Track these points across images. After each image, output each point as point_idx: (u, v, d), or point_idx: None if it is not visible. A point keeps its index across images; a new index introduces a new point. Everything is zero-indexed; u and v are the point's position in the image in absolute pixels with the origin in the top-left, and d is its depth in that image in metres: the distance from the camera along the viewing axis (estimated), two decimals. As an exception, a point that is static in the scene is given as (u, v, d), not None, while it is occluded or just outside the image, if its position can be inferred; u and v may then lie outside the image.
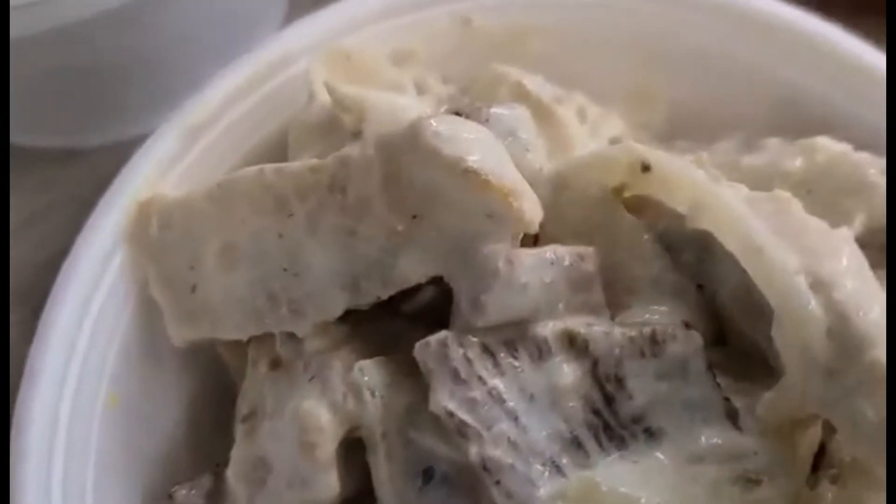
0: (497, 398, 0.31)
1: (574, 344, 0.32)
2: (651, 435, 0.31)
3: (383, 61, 0.39)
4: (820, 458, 0.32)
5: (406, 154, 0.32)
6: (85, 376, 0.36)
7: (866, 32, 0.43)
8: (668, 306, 0.33)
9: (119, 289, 0.36)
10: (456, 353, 0.31)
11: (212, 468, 0.37)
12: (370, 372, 0.33)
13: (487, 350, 0.32)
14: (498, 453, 0.31)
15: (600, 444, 0.31)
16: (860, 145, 0.39)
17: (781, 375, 0.30)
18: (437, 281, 0.33)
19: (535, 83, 0.39)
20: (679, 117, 0.44)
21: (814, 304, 0.28)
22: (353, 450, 0.33)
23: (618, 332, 0.32)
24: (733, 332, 0.33)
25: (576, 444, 0.31)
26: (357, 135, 0.35)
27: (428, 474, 0.32)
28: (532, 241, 0.34)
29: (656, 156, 0.33)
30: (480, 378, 0.31)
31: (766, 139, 0.41)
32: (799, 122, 0.43)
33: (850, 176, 0.37)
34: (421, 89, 0.39)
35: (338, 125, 0.37)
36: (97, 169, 0.55)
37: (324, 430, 0.32)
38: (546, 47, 0.43)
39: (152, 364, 0.38)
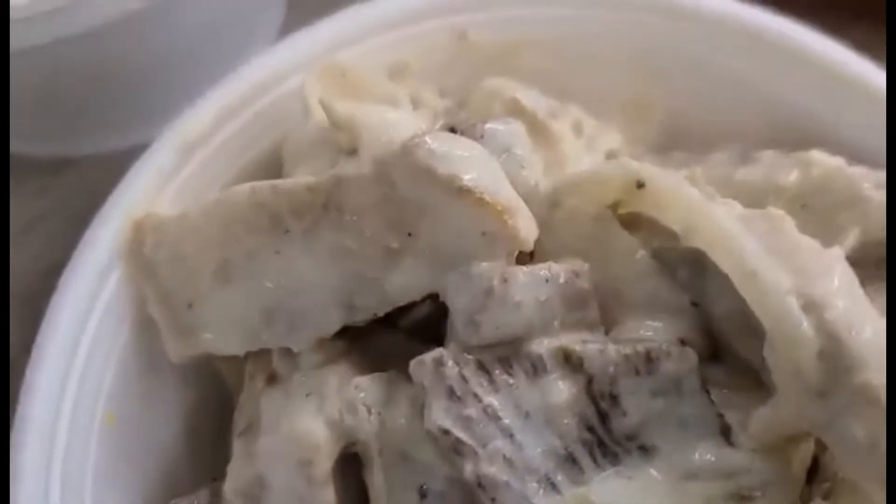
0: (492, 415, 0.31)
1: (569, 361, 0.32)
2: (645, 451, 0.32)
3: (379, 76, 0.40)
4: (812, 472, 0.33)
5: (401, 172, 0.33)
6: (82, 394, 0.36)
7: (862, 38, 0.43)
8: (663, 323, 0.33)
9: (115, 306, 0.37)
10: (451, 370, 0.31)
11: (210, 482, 0.37)
12: (367, 388, 0.33)
13: (483, 367, 0.32)
14: (493, 470, 0.31)
15: (595, 461, 0.32)
16: (854, 159, 0.39)
17: (774, 392, 0.31)
18: (433, 296, 0.34)
19: (530, 98, 0.39)
20: (674, 129, 0.45)
21: (806, 326, 0.29)
22: (350, 465, 0.34)
23: (612, 349, 0.32)
24: (727, 348, 0.34)
25: (570, 461, 0.31)
26: (352, 152, 0.35)
27: (424, 491, 0.32)
28: (527, 257, 0.34)
29: (650, 173, 0.33)
30: (476, 395, 0.31)
31: (760, 152, 0.41)
32: (793, 134, 0.43)
33: (844, 190, 0.38)
34: (416, 103, 0.39)
35: (333, 141, 0.38)
36: (90, 179, 0.56)
37: (320, 447, 0.32)
38: (541, 61, 0.43)
39: (150, 380, 0.38)
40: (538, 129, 0.38)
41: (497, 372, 0.32)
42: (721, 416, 0.32)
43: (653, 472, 0.31)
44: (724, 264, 0.31)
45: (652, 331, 0.33)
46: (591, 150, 0.40)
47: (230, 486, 0.35)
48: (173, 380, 0.39)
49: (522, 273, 0.32)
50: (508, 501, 0.31)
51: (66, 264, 0.37)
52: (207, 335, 0.36)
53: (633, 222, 0.35)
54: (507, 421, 0.31)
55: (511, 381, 0.32)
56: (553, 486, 0.31)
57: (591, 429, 0.31)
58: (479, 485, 0.31)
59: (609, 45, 0.44)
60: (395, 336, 0.36)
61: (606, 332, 0.34)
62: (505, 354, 0.32)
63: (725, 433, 0.32)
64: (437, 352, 0.32)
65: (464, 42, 0.43)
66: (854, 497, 0.31)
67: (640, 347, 0.32)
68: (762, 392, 0.32)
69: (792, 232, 0.31)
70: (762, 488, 0.31)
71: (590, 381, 0.32)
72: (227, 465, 0.36)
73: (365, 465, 0.33)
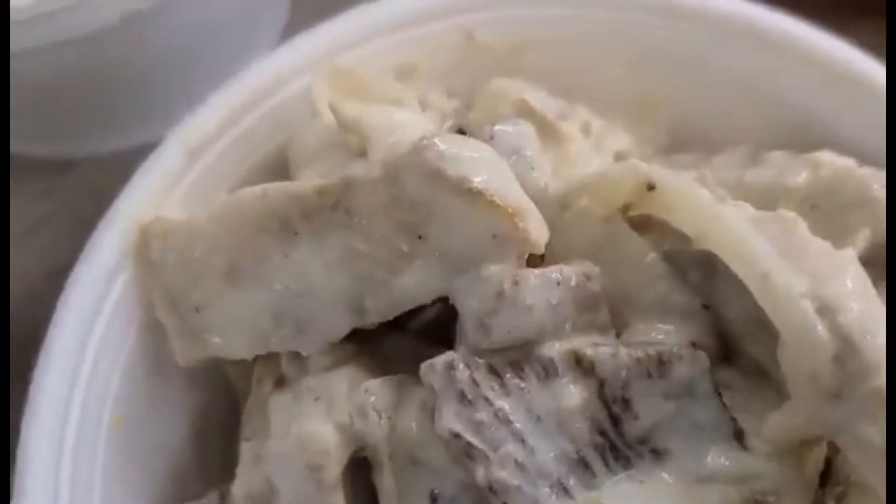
0: (503, 419, 0.31)
1: (580, 365, 0.31)
2: (657, 455, 0.31)
3: (386, 78, 0.39)
4: (825, 476, 0.32)
5: (410, 175, 0.32)
6: (90, 397, 0.36)
7: (864, 36, 0.43)
8: (674, 326, 0.33)
9: (122, 309, 0.36)
10: (462, 374, 0.31)
11: (218, 486, 0.37)
12: (377, 392, 0.33)
13: (494, 371, 0.32)
14: (504, 475, 0.31)
15: (607, 465, 0.31)
16: (863, 159, 0.39)
17: (787, 395, 0.30)
18: (441, 298, 0.33)
19: (538, 99, 0.39)
20: (680, 130, 0.44)
21: (820, 330, 0.28)
22: (359, 470, 0.33)
23: (624, 353, 0.31)
24: (738, 350, 0.33)
25: (582, 465, 0.31)
26: (361, 154, 0.35)
27: (434, 496, 0.32)
28: (537, 259, 0.34)
29: (661, 175, 0.33)
30: (487, 399, 0.31)
31: (770, 152, 0.41)
32: (801, 135, 0.43)
33: (854, 191, 0.37)
34: (424, 105, 0.39)
35: (340, 142, 0.37)
36: (92, 179, 0.56)
37: (330, 452, 0.32)
38: (548, 61, 0.43)
39: (157, 383, 0.38)
40: (547, 131, 0.37)
41: (508, 376, 0.32)
42: (734, 419, 0.31)
43: (665, 476, 0.31)
44: (737, 267, 0.30)
45: (663, 334, 0.33)
46: (599, 151, 0.40)
47: (238, 489, 0.35)
48: (180, 383, 0.38)
49: (534, 276, 0.32)
50: (520, 506, 0.30)
51: (72, 266, 0.37)
52: (215, 339, 0.35)
53: (642, 224, 0.35)
54: (518, 425, 0.31)
55: (522, 384, 0.31)
56: (565, 491, 0.31)
57: (602, 433, 0.31)
58: (491, 489, 0.30)
59: (615, 46, 0.44)
60: (403, 338, 0.36)
61: (617, 335, 0.33)
62: (516, 358, 0.32)
63: (738, 437, 0.31)
64: (448, 355, 0.32)
65: (470, 43, 0.42)
66: (867, 500, 0.31)
67: (652, 351, 0.32)
68: (774, 395, 0.32)
69: (804, 234, 0.31)
70: (776, 492, 0.31)
71: (601, 385, 0.31)
72: (234, 468, 0.36)
73: (375, 469, 0.33)
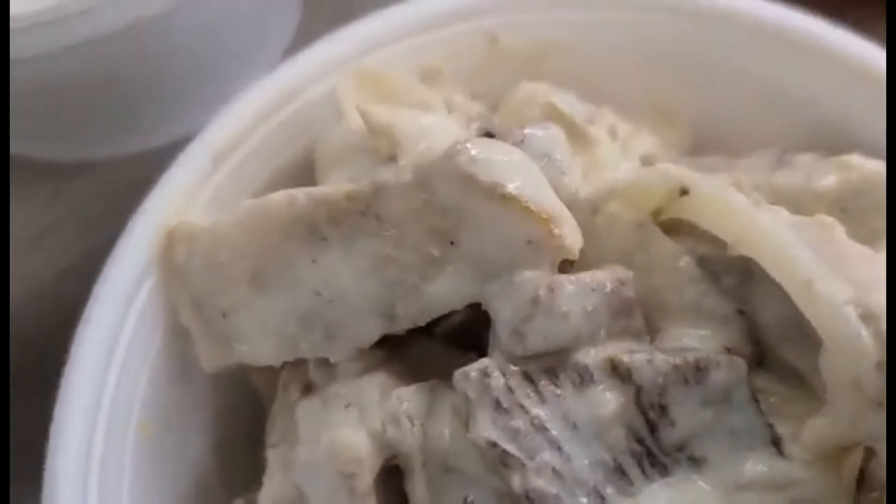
0: (539, 427, 0.31)
1: (617, 372, 0.31)
2: (695, 463, 0.31)
3: (412, 80, 0.39)
4: (860, 481, 0.32)
5: (442, 180, 0.32)
6: (117, 403, 0.35)
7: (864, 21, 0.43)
8: (709, 331, 0.33)
9: (148, 314, 0.36)
10: (497, 382, 0.31)
11: (244, 493, 0.36)
12: (409, 399, 0.33)
13: (529, 378, 0.31)
14: (541, 483, 0.30)
15: (644, 473, 0.31)
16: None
17: (825, 401, 0.30)
18: (471, 304, 0.33)
19: (566, 102, 0.38)
20: (706, 132, 0.44)
21: (864, 337, 0.28)
22: (391, 477, 0.33)
23: (661, 359, 0.31)
24: (774, 356, 0.33)
25: (619, 473, 0.31)
26: (390, 159, 0.35)
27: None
28: (568, 265, 0.33)
29: (694, 180, 0.33)
30: (522, 407, 0.31)
31: (797, 155, 0.41)
32: (827, 136, 0.42)
33: (883, 194, 0.37)
34: (449, 108, 0.39)
35: (366, 146, 0.37)
36: (103, 183, 0.55)
37: (362, 460, 0.32)
38: (572, 63, 0.43)
39: (182, 389, 0.37)
40: (575, 134, 0.37)
41: (543, 383, 0.31)
42: (771, 426, 0.31)
43: (702, 483, 0.31)
44: (777, 274, 0.30)
45: (697, 339, 0.33)
46: (626, 155, 0.39)
47: (266, 497, 0.34)
48: (204, 389, 0.38)
49: (569, 282, 0.31)
50: (557, 514, 0.30)
51: (82, 269, 0.36)
52: (242, 345, 0.35)
53: (673, 228, 0.34)
54: (554, 433, 0.31)
55: (558, 391, 0.31)
56: (602, 499, 0.30)
57: (639, 440, 0.31)
58: (528, 497, 0.30)
59: (638, 48, 0.44)
60: (431, 343, 0.36)
61: (650, 341, 0.33)
62: (551, 365, 0.31)
63: (776, 444, 0.31)
64: (482, 363, 0.31)
65: (494, 46, 0.42)
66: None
67: (690, 357, 0.31)
68: (811, 400, 0.31)
69: (843, 239, 0.31)
70: (815, 500, 0.30)
71: (638, 392, 0.31)
72: (258, 476, 0.35)
73: (407, 477, 0.33)
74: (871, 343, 0.28)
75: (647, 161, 0.40)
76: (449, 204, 0.32)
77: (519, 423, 0.31)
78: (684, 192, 0.33)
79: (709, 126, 0.45)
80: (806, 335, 0.30)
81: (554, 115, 0.37)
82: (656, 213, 0.34)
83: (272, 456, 0.36)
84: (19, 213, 0.50)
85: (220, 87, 0.51)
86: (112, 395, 0.35)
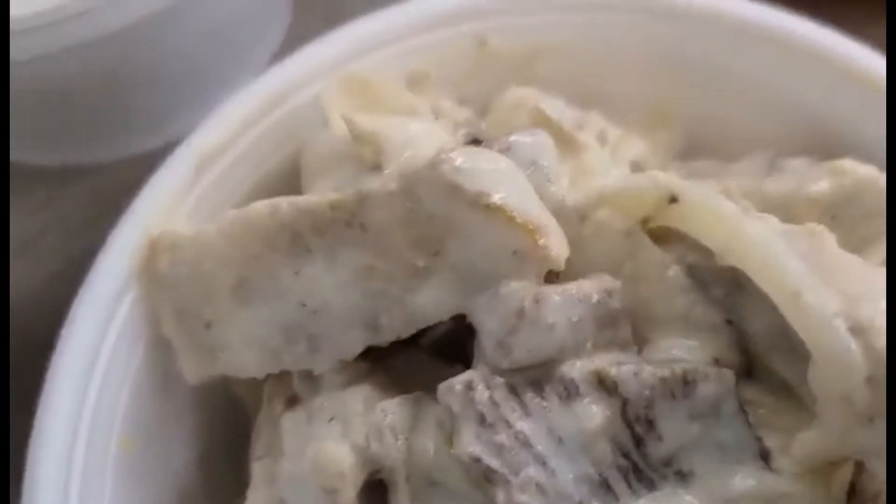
0: (524, 442, 0.30)
1: (603, 384, 0.31)
2: (682, 477, 0.31)
3: (399, 86, 0.38)
4: (851, 495, 0.32)
5: (427, 189, 0.32)
6: (98, 416, 0.35)
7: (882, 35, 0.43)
8: (697, 342, 0.32)
9: (130, 326, 0.36)
10: (481, 395, 0.30)
11: (229, 506, 0.36)
12: (393, 412, 0.32)
13: (514, 391, 0.31)
14: (525, 499, 0.30)
15: (630, 487, 0.31)
16: (880, 162, 0.38)
17: (815, 413, 0.30)
18: (457, 315, 0.33)
19: (554, 108, 0.38)
20: (698, 136, 0.44)
21: (854, 350, 0.28)
22: (374, 491, 0.33)
23: (648, 371, 0.31)
24: (763, 366, 0.33)
25: (605, 487, 0.30)
26: (375, 167, 0.34)
27: (453, 519, 0.31)
28: (554, 274, 0.33)
29: (683, 188, 0.32)
30: (507, 421, 0.30)
31: (788, 160, 0.40)
32: (820, 140, 0.42)
33: (876, 200, 0.37)
34: (437, 114, 0.38)
35: (351, 153, 0.37)
36: (96, 186, 0.55)
37: (345, 474, 0.31)
38: (562, 67, 0.42)
39: (166, 402, 0.37)
40: (563, 140, 0.36)
41: (529, 396, 0.31)
42: (760, 439, 0.31)
43: (690, 498, 0.30)
44: (765, 285, 0.29)
45: (685, 350, 0.32)
46: (615, 160, 0.39)
47: (251, 511, 0.34)
48: (189, 401, 0.38)
49: (554, 293, 0.31)
50: (541, 530, 0.30)
51: (69, 275, 0.36)
52: (226, 356, 0.35)
53: (663, 236, 0.34)
54: (539, 447, 0.30)
55: (543, 404, 0.31)
56: (588, 514, 0.30)
57: (626, 454, 0.30)
58: (512, 513, 0.30)
59: (631, 51, 0.43)
60: (416, 355, 0.35)
61: (638, 352, 0.33)
62: (536, 377, 0.31)
63: (764, 457, 0.31)
64: (467, 375, 0.31)
65: (483, 49, 0.42)
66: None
67: (677, 369, 0.31)
68: (800, 412, 0.31)
69: (834, 249, 0.30)
70: (804, 514, 0.30)
71: (624, 405, 0.31)
72: (242, 489, 0.35)
73: (391, 491, 0.32)
74: (860, 357, 0.28)
75: (636, 166, 0.40)
76: (434, 213, 0.32)
77: (503, 437, 0.30)
78: (673, 199, 0.33)
79: (701, 128, 0.44)
80: (795, 346, 0.30)
81: (541, 120, 0.37)
82: (645, 221, 0.34)
83: (256, 469, 0.35)
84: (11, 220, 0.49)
85: (211, 90, 0.51)
86: (93, 408, 0.35)
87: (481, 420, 0.30)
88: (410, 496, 0.31)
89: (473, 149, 0.33)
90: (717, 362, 0.32)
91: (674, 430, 0.30)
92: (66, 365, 0.34)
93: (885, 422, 0.27)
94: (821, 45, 0.41)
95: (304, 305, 0.33)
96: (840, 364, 0.28)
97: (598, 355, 0.31)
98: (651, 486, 0.31)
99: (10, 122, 0.45)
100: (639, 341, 0.33)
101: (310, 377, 0.34)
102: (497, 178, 0.31)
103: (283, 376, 0.35)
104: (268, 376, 0.35)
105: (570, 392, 0.31)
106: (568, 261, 0.33)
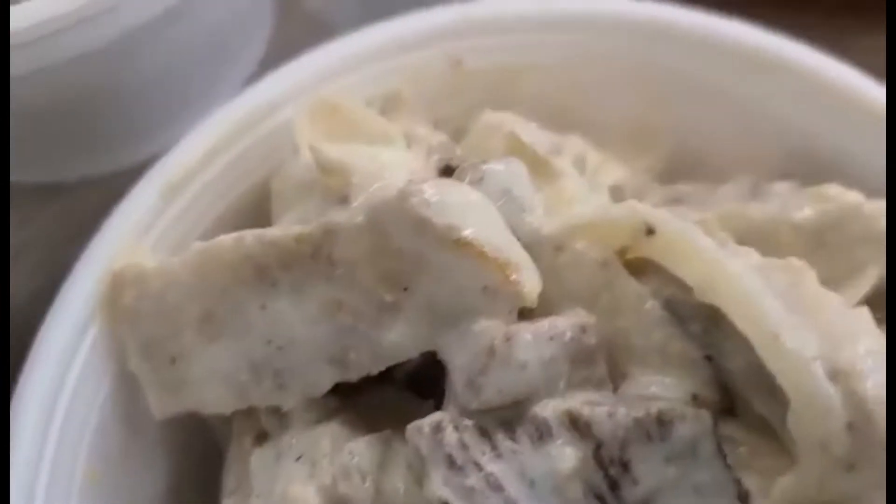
0: (495, 485, 0.29)
1: (576, 426, 0.30)
2: (658, 521, 0.30)
3: (371, 112, 0.37)
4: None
5: (395, 223, 0.31)
6: (61, 452, 0.34)
7: (867, 55, 0.42)
8: (674, 378, 0.31)
9: (95, 360, 0.35)
10: (451, 437, 0.30)
11: (197, 544, 0.35)
12: (361, 453, 0.31)
13: (484, 433, 0.30)
14: (497, 543, 0.29)
15: (605, 531, 0.30)
16: (870, 190, 0.37)
17: (797, 459, 0.29)
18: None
19: (530, 133, 0.37)
20: (680, 158, 0.43)
21: (833, 396, 0.27)
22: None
23: (622, 412, 0.30)
24: (743, 402, 0.32)
25: (578, 532, 0.29)
26: (343, 199, 0.33)
27: (423, 563, 0.30)
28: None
29: (660, 219, 0.31)
30: (477, 464, 0.29)
31: (773, 184, 0.39)
32: (806, 162, 0.41)
33: (863, 226, 0.36)
34: (410, 139, 0.37)
35: (320, 183, 0.36)
36: (76, 204, 0.54)
37: (312, 516, 0.30)
38: (541, 87, 0.41)
39: (132, 438, 0.36)
40: (539, 167, 0.35)
41: (499, 437, 0.30)
42: (739, 481, 0.30)
43: (666, 543, 0.29)
44: (743, 324, 0.29)
45: (663, 387, 0.31)
46: (594, 187, 0.38)
47: (220, 549, 0.33)
48: (158, 436, 0.37)
49: (526, 331, 0.30)
50: (513, 576, 0.29)
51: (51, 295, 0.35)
52: (192, 392, 0.34)
53: (640, 267, 0.33)
54: (511, 490, 0.29)
55: (514, 447, 0.30)
56: (560, 559, 0.29)
57: (600, 497, 0.29)
58: (482, 559, 0.29)
59: (610, 71, 0.42)
60: (387, 391, 0.34)
61: (615, 388, 0.32)
62: (508, 418, 0.30)
63: (744, 499, 0.30)
64: (436, 416, 0.30)
65: (458, 70, 0.41)
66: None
67: (653, 409, 0.30)
68: (782, 454, 0.30)
69: (814, 286, 0.29)
70: (784, 560, 0.29)
71: (598, 447, 0.30)
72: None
73: (360, 533, 0.31)
74: (840, 402, 0.27)
75: (616, 191, 0.39)
76: (402, 248, 0.31)
77: (473, 480, 0.29)
78: (650, 231, 0.32)
79: (683, 149, 0.43)
80: (775, 386, 0.29)
81: (517, 146, 0.36)
82: (622, 252, 0.33)
83: (227, 505, 0.34)
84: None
85: (190, 106, 0.50)
86: (56, 444, 0.34)
87: (450, 463, 0.29)
88: (381, 537, 0.30)
89: (443, 181, 0.32)
90: (695, 399, 0.31)
91: (649, 472, 0.29)
92: (28, 402, 0.33)
93: (867, 470, 0.26)
94: (807, 67, 0.41)
95: (270, 342, 0.32)
96: (819, 409, 0.27)
97: (572, 394, 0.30)
98: (626, 530, 0.30)
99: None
100: (616, 377, 0.32)
101: (278, 413, 0.33)
102: (467, 211, 0.31)
103: (251, 412, 0.34)
104: (235, 412, 0.34)
105: (542, 433, 0.30)
106: (543, 292, 0.32)
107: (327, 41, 0.40)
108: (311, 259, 0.32)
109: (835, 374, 0.27)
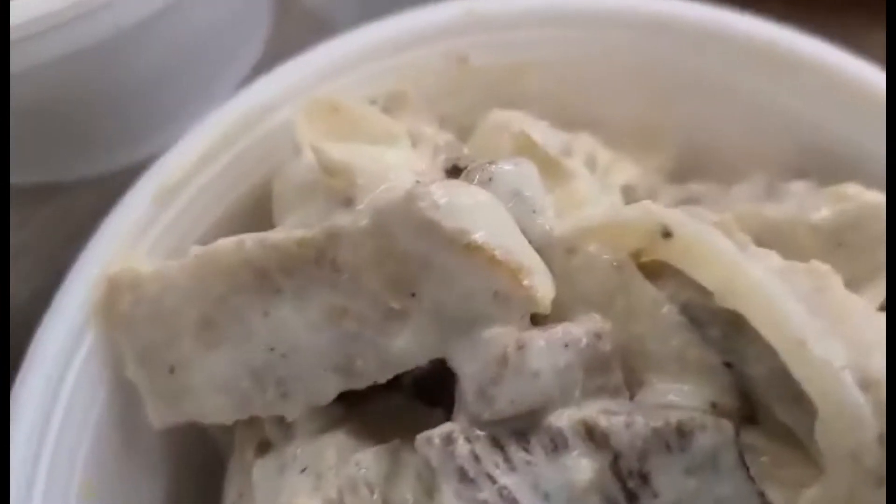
0: (509, 499, 0.28)
1: (592, 436, 0.29)
2: (679, 535, 0.29)
3: (374, 111, 0.36)
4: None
5: (402, 226, 0.29)
6: (57, 466, 0.33)
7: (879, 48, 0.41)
8: (693, 385, 0.30)
9: (91, 368, 0.33)
10: (462, 449, 0.28)
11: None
12: (367, 465, 0.30)
13: (497, 444, 0.29)
14: (511, 559, 0.28)
15: (623, 546, 0.28)
16: (880, 180, 0.36)
17: (821, 468, 0.28)
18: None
19: (540, 132, 0.35)
20: (692, 156, 0.41)
21: (864, 406, 0.25)
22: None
23: (640, 421, 0.29)
24: (765, 410, 0.30)
25: (595, 547, 0.28)
26: (347, 201, 0.32)
27: (433, 578, 0.29)
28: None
29: (677, 222, 0.30)
30: (490, 476, 0.28)
31: (788, 183, 0.38)
32: (821, 160, 0.40)
33: (883, 226, 0.34)
34: (415, 138, 0.36)
35: (323, 184, 0.34)
36: (74, 204, 0.53)
37: (317, 530, 0.29)
38: (549, 85, 0.40)
39: (130, 448, 0.35)
40: (550, 167, 0.34)
41: (513, 448, 0.29)
42: (762, 494, 0.28)
43: (688, 557, 0.28)
44: (767, 331, 0.27)
45: (681, 394, 0.30)
46: (605, 186, 0.36)
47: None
48: (156, 446, 0.36)
49: (539, 337, 0.29)
50: (527, 592, 0.28)
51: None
52: (192, 401, 0.33)
53: (656, 270, 0.32)
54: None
55: (528, 458, 0.29)
56: (576, 576, 0.28)
57: (618, 511, 0.28)
58: (495, 575, 0.28)
59: (617, 67, 0.41)
60: (395, 398, 0.33)
61: (631, 396, 0.31)
62: (521, 428, 0.29)
63: (767, 512, 0.28)
64: (447, 427, 0.29)
65: (464, 67, 0.39)
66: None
67: (672, 419, 0.29)
68: (807, 464, 0.29)
69: (840, 291, 0.28)
70: (809, 574, 0.28)
71: (616, 458, 0.28)
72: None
73: (368, 547, 0.30)
74: (871, 413, 0.25)
75: (629, 191, 0.37)
76: (409, 252, 0.30)
77: (486, 494, 0.28)
78: (667, 233, 0.30)
79: (694, 148, 0.42)
80: (800, 395, 0.28)
81: (527, 145, 0.35)
82: (637, 254, 0.32)
83: (228, 518, 0.33)
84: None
85: (187, 105, 0.49)
86: (52, 455, 0.33)
87: (462, 476, 0.28)
88: (388, 552, 0.29)
89: (452, 182, 0.31)
90: (714, 407, 0.30)
91: (669, 484, 0.28)
92: (23, 411, 0.32)
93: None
94: (822, 62, 0.39)
95: (273, 349, 0.31)
96: (849, 420, 0.26)
97: (588, 403, 0.29)
98: (645, 544, 0.28)
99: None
100: (633, 383, 0.31)
101: (282, 423, 0.32)
102: (477, 213, 0.29)
103: (254, 421, 0.33)
104: (237, 422, 0.33)
105: (557, 444, 0.29)
106: (557, 295, 0.31)
107: (327, 39, 0.39)
108: (315, 264, 0.31)
109: (865, 384, 0.26)
